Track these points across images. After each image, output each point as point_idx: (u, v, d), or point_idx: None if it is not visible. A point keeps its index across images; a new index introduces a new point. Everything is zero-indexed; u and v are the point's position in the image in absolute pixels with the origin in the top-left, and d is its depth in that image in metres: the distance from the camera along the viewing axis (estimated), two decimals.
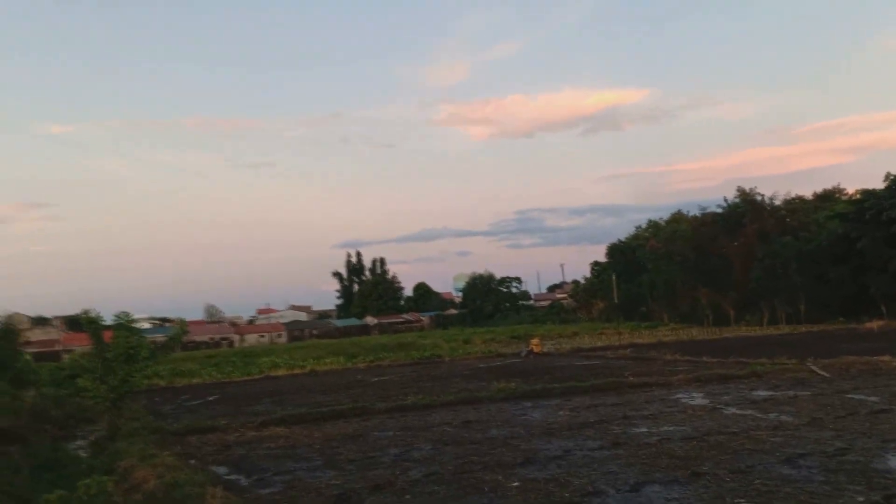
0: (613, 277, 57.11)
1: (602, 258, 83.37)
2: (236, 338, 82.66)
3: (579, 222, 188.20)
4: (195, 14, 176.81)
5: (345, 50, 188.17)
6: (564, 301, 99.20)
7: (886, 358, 22.04)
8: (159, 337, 28.71)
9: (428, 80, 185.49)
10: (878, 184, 51.87)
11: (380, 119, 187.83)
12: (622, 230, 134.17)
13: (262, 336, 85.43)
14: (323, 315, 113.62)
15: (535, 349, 39.26)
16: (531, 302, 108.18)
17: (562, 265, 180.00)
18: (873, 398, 15.35)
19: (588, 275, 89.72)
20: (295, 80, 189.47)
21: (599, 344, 44.79)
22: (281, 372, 37.84)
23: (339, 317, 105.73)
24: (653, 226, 76.71)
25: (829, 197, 65.49)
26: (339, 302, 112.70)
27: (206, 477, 10.77)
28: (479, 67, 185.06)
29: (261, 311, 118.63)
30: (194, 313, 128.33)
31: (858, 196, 55.34)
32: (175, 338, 21.86)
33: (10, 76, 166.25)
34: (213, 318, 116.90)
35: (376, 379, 30.76)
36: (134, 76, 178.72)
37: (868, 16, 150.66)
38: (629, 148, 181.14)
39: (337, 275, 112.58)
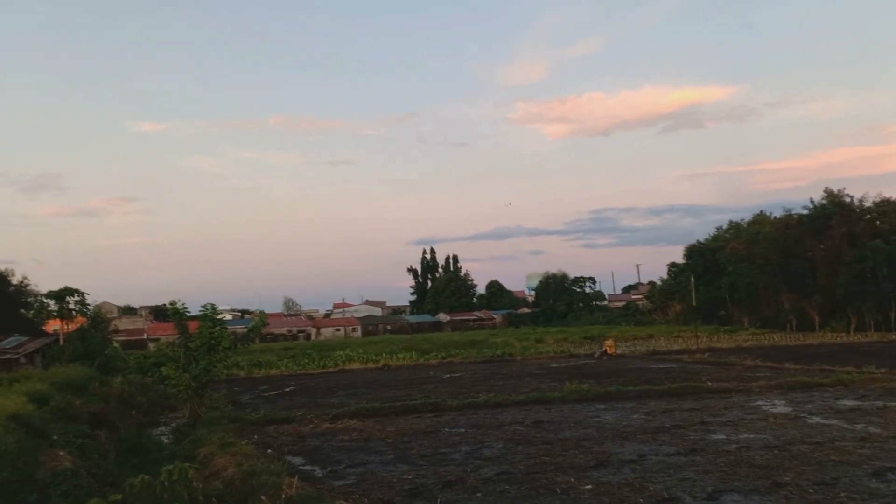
0: (692, 279, 55.51)
1: (680, 259, 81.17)
2: (313, 331, 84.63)
3: (657, 222, 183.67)
4: (277, 19, 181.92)
5: (421, 50, 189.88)
6: (640, 302, 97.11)
7: None
8: (240, 328, 29.71)
9: (505, 79, 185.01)
10: None
11: (455, 118, 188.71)
12: (702, 231, 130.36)
13: (338, 330, 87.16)
14: (396, 311, 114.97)
15: (609, 350, 38.71)
16: (605, 302, 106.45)
17: (637, 266, 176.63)
18: None
19: (665, 276, 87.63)
20: (373, 81, 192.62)
21: (676, 347, 43.73)
22: (355, 365, 38.62)
23: (412, 313, 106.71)
24: (734, 227, 74.22)
25: None
26: (412, 298, 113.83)
27: (283, 467, 11.13)
28: (557, 65, 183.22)
29: (337, 306, 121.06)
30: (274, 306, 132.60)
31: None
32: (255, 329, 22.60)
33: (106, 76, 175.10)
34: (291, 311, 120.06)
35: (448, 375, 31.00)
36: (220, 77, 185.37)
37: None
38: (711, 147, 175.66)
39: (411, 271, 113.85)
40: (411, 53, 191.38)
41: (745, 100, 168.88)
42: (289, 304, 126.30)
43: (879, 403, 16.47)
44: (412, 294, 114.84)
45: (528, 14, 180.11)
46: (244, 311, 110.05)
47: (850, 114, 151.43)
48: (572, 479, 10.16)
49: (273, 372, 37.51)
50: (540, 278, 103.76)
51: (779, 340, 47.17)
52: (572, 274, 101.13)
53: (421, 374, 33.01)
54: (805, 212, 60.26)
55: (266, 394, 27.33)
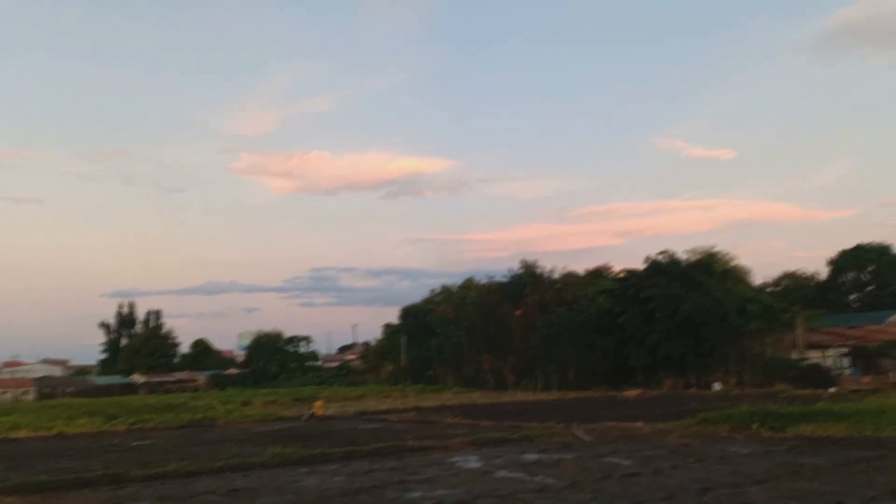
0: (403, 340, 57.57)
1: (395, 320, 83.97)
2: None
3: (375, 283, 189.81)
4: None
5: (139, 82, 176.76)
6: (354, 362, 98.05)
7: (640, 424, 23.89)
8: None
9: (230, 127, 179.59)
10: (639, 265, 58.09)
11: (172, 161, 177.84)
12: (417, 294, 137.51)
13: (4, 392, 74.78)
14: (81, 371, 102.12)
15: (318, 412, 38.01)
16: (320, 363, 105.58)
17: (354, 326, 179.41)
18: (627, 461, 16.36)
19: (380, 336, 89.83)
20: (77, 110, 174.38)
21: (385, 407, 44.36)
22: (22, 433, 32.97)
23: (102, 373, 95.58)
24: (445, 291, 79.12)
25: (598, 274, 71.89)
26: (103, 357, 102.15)
27: None
28: (286, 120, 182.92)
29: (7, 364, 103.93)
30: None
31: (622, 275, 61.42)
32: None
33: None
34: None
35: (137, 443, 27.75)
36: None
37: (641, 119, 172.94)
38: (428, 214, 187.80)
39: (104, 326, 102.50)
40: (125, 85, 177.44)
41: (460, 173, 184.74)
42: None
43: (556, 456, 17.97)
44: (103, 352, 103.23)
45: (259, 65, 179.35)
46: None
47: (544, 196, 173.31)
48: None
49: None
50: (252, 337, 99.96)
51: (478, 399, 50.37)
52: (288, 333, 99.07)
53: (105, 442, 29.10)
54: (505, 280, 66.49)
55: None
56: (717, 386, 47.44)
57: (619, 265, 69.84)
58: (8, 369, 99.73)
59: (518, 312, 62.85)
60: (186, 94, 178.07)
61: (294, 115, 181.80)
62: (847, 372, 45.44)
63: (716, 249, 59.02)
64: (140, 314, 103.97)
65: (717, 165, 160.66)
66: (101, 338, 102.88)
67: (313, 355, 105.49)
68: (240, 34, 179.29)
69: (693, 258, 57.80)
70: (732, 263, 59.34)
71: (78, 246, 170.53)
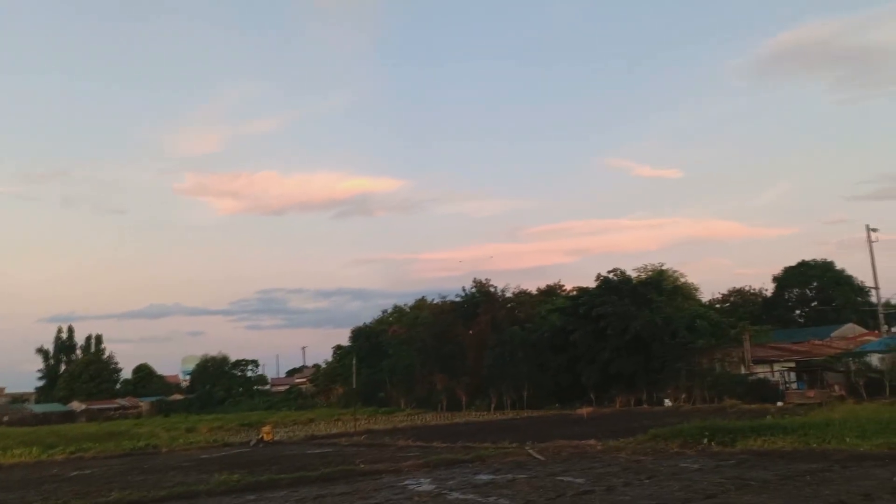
0: (354, 361, 56.84)
1: (346, 342, 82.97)
2: None
3: (325, 304, 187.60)
4: None
5: (78, 101, 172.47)
6: (303, 386, 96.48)
7: (592, 442, 23.91)
8: None
9: (174, 148, 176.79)
10: (591, 282, 58.71)
11: (112, 182, 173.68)
12: (368, 314, 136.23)
13: None
14: (18, 399, 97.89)
15: (266, 437, 37.14)
16: (268, 387, 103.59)
17: (303, 348, 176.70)
18: (580, 480, 16.26)
19: (330, 359, 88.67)
20: (14, 128, 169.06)
21: (335, 430, 43.68)
22: None
23: (39, 401, 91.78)
24: (398, 311, 78.65)
25: (551, 292, 72.48)
26: (40, 384, 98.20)
27: None
28: (231, 140, 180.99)
29: None
30: None
31: (574, 293, 61.96)
32: None
33: None
34: None
35: (76, 473, 26.60)
36: None
37: (592, 140, 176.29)
38: (380, 234, 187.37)
39: (42, 351, 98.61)
40: (66, 102, 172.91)
41: (411, 193, 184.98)
42: None
43: (510, 476, 17.77)
44: (40, 379, 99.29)
45: (204, 84, 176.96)
46: None
47: (497, 214, 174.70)
48: None
49: None
50: (197, 361, 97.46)
51: (430, 420, 49.95)
52: (235, 356, 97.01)
53: (43, 472, 27.84)
54: (458, 299, 66.37)
55: None
56: (667, 402, 47.99)
57: (571, 283, 70.74)
58: None
59: (471, 332, 62.79)
60: (128, 113, 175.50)
61: (241, 135, 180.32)
62: (793, 386, 46.46)
63: (665, 267, 60.28)
64: (80, 339, 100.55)
65: (665, 185, 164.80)
66: (38, 364, 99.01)
67: (261, 379, 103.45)
68: (185, 53, 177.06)
69: (643, 276, 58.76)
70: (681, 280, 60.62)
71: (14, 269, 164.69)
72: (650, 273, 58.81)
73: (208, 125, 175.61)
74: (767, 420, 25.55)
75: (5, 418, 74.73)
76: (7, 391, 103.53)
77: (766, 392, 45.01)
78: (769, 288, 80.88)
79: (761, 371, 48.50)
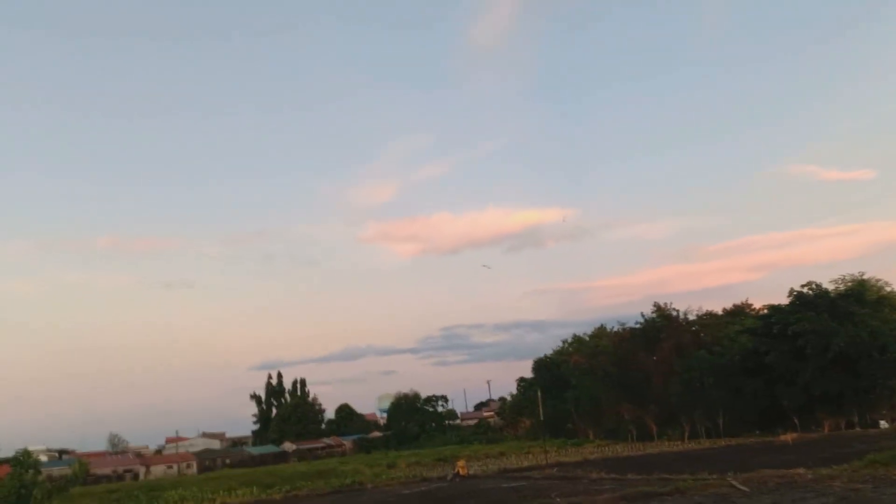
0: (539, 394, 56.97)
1: (528, 374, 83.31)
2: (142, 470, 76.66)
3: (504, 338, 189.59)
4: (102, 126, 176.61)
5: (269, 169, 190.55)
6: (491, 419, 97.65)
7: (801, 470, 22.43)
8: (57, 470, 26.47)
9: (354, 200, 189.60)
10: (783, 299, 54.85)
11: (304, 237, 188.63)
12: (547, 346, 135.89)
13: (170, 467, 79.65)
14: (237, 442, 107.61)
15: (462, 471, 38.18)
16: (458, 421, 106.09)
17: (488, 382, 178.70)
18: None
19: (514, 391, 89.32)
20: (217, 199, 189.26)
21: (526, 463, 43.93)
22: None
23: (255, 443, 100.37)
24: (577, 340, 77.63)
25: (738, 312, 68.27)
26: (255, 427, 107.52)
27: None
28: (405, 187, 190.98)
29: (169, 440, 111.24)
30: (97, 443, 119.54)
31: (765, 311, 58.12)
32: (73, 478, 20.17)
33: None
34: (117, 448, 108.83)
35: None
36: (43, 194, 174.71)
37: (769, 147, 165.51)
38: (552, 264, 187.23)
39: (255, 397, 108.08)
40: (258, 171, 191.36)
41: (580, 221, 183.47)
42: (114, 440, 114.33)
43: None
44: (255, 423, 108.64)
45: (373, 141, 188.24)
46: (62, 451, 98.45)
47: (669, 235, 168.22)
48: None
49: None
50: (391, 399, 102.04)
51: (621, 451, 48.82)
52: (425, 393, 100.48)
53: None
54: (637, 325, 64.46)
55: None
56: (883, 423, 43.56)
57: (759, 301, 66.24)
58: (171, 444, 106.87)
59: (655, 358, 60.69)
60: (311, 175, 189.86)
61: (413, 183, 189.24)
62: None
63: (866, 276, 54.72)
64: (287, 384, 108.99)
65: (857, 187, 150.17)
66: (252, 409, 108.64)
67: (451, 414, 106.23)
68: (354, 114, 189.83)
69: (842, 288, 53.81)
70: (886, 290, 54.67)
71: (226, 323, 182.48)
72: (849, 284, 53.65)
73: (383, 177, 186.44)
74: None
75: (227, 461, 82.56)
76: (227, 435, 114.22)
77: None
78: None
79: None
